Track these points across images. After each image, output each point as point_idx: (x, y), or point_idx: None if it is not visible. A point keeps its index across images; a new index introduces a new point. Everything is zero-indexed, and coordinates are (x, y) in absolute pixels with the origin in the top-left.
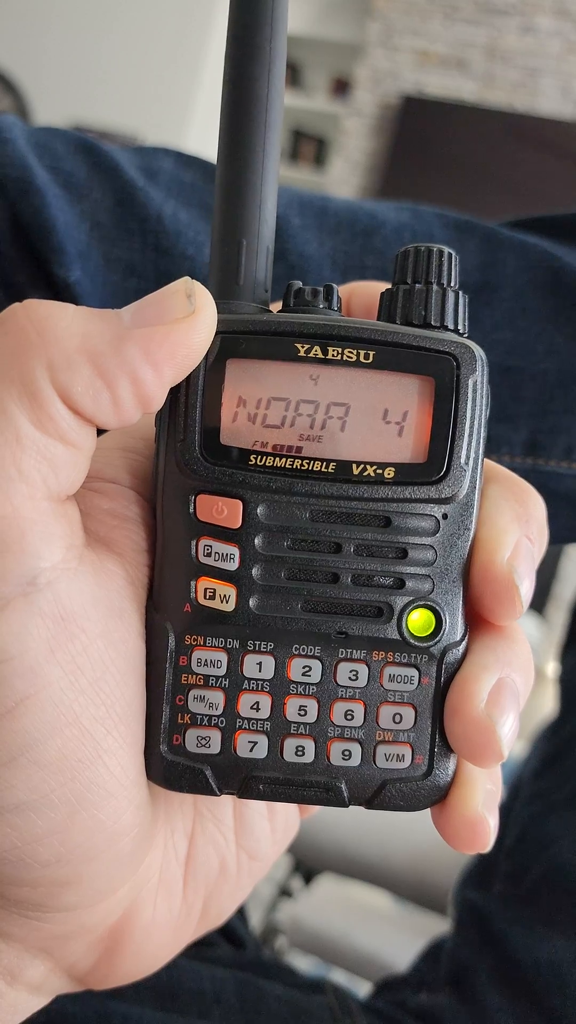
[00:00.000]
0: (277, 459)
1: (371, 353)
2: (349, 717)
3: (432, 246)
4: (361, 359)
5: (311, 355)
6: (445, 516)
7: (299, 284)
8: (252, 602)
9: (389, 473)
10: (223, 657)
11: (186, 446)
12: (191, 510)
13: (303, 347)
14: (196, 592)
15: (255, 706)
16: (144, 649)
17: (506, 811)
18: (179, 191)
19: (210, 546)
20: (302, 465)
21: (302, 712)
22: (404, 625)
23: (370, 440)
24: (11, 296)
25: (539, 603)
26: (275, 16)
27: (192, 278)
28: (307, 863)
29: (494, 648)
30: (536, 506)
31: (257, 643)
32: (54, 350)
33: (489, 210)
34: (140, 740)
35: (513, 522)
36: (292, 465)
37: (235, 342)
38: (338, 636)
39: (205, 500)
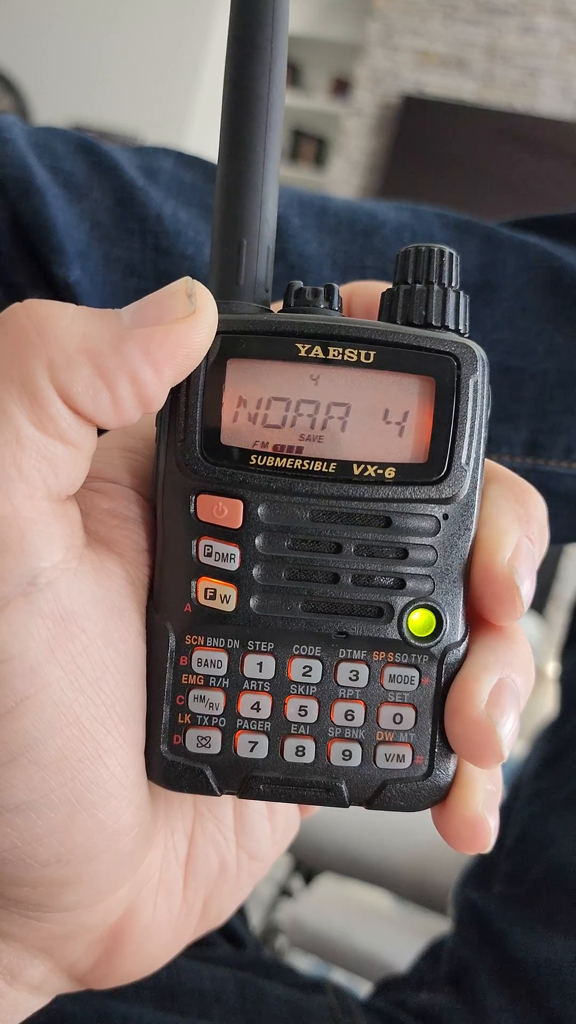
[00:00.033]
0: (278, 459)
1: (372, 353)
2: (349, 717)
3: (433, 246)
4: (362, 359)
5: (312, 355)
6: (446, 516)
7: (300, 284)
8: (252, 602)
9: (390, 473)
10: (223, 657)
11: (186, 446)
12: (191, 510)
13: (304, 347)
14: (196, 592)
15: (255, 706)
16: (144, 649)
17: (506, 811)
18: (179, 191)
19: (210, 546)
20: (303, 465)
21: (302, 712)
22: (404, 625)
23: (371, 440)
24: (11, 296)
25: (539, 603)
26: (276, 16)
27: (192, 278)
28: (307, 863)
29: (495, 648)
30: (537, 506)
31: (257, 643)
32: (54, 350)
33: (489, 210)
34: (140, 740)
35: (514, 522)
36: (293, 465)
37: (236, 342)
38: (338, 636)
39: (205, 500)
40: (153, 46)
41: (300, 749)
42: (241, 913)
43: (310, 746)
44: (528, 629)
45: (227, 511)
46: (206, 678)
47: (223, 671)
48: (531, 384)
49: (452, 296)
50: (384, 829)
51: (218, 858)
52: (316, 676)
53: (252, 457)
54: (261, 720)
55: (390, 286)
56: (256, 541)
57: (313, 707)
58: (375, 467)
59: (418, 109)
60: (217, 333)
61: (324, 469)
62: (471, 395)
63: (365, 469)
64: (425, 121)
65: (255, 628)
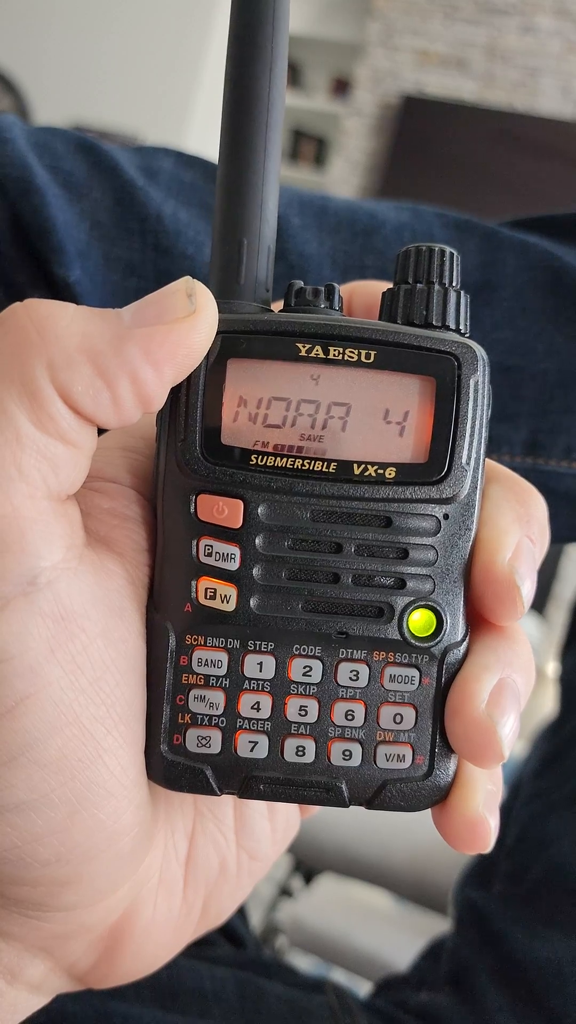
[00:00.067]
0: (278, 459)
1: (372, 353)
2: (350, 717)
3: (434, 246)
4: (362, 359)
5: (312, 355)
6: (446, 516)
7: (300, 284)
8: (253, 602)
9: (390, 473)
10: (224, 657)
11: (187, 446)
12: (192, 510)
13: (304, 347)
14: (197, 592)
15: (256, 706)
16: (144, 649)
17: (506, 811)
18: (179, 191)
19: (211, 546)
20: (303, 465)
21: (303, 712)
22: (405, 625)
23: (371, 440)
24: (11, 296)
25: (539, 603)
26: (276, 15)
27: (192, 277)
28: (307, 863)
29: (495, 648)
30: (537, 506)
31: (258, 643)
32: (54, 349)
33: (489, 210)
34: (140, 740)
35: (514, 523)
36: (293, 465)
37: (236, 342)
38: (339, 636)
39: (206, 500)
40: (153, 46)
41: (300, 749)
42: (241, 913)
43: (310, 746)
44: (528, 629)
45: (227, 511)
46: (206, 678)
47: (223, 671)
48: (531, 384)
49: (453, 296)
50: (384, 829)
51: (218, 858)
52: (316, 676)
53: (252, 457)
54: (261, 720)
55: (390, 285)
56: (256, 541)
57: (313, 707)
58: (375, 467)
59: (418, 109)
60: (217, 333)
61: (324, 469)
62: (472, 395)
63: (365, 469)
64: (425, 121)
65: (255, 628)
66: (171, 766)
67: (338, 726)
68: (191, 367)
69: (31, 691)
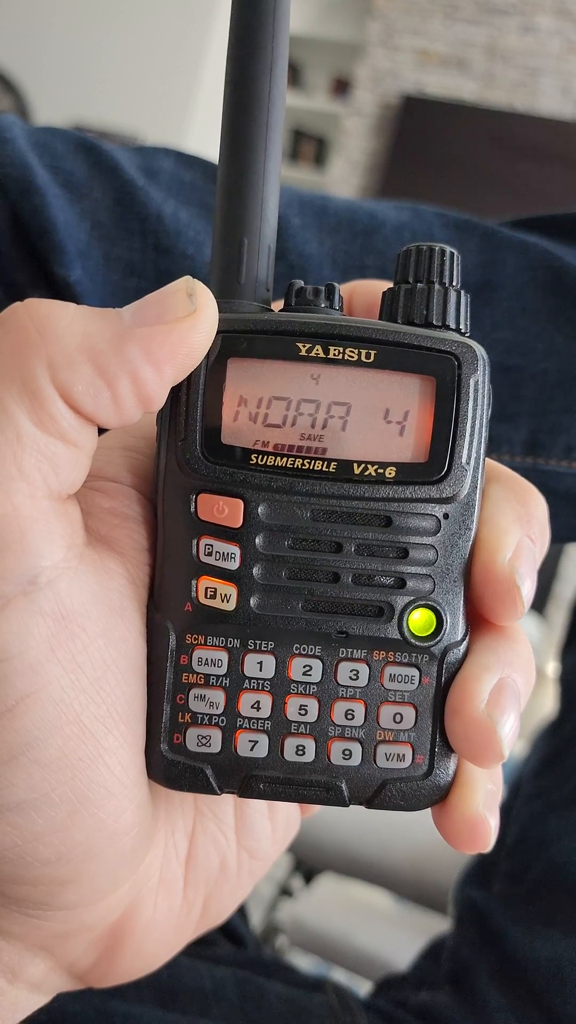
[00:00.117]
0: (278, 458)
1: (372, 352)
2: (350, 716)
3: (434, 245)
4: (363, 358)
5: (312, 354)
6: (446, 516)
7: (300, 283)
8: (253, 601)
9: (390, 473)
10: (224, 656)
11: (187, 445)
12: (192, 509)
13: (304, 346)
14: (197, 591)
15: (256, 705)
16: (145, 648)
17: (506, 810)
18: (179, 190)
19: (211, 545)
20: (303, 464)
21: (303, 711)
22: (405, 625)
23: (371, 440)
24: (12, 295)
25: (539, 602)
26: (277, 16)
27: (193, 277)
28: (307, 862)
29: (495, 648)
30: (538, 506)
31: (258, 642)
32: (55, 349)
33: (489, 210)
34: (141, 739)
35: (515, 522)
36: (293, 464)
37: (236, 341)
38: (339, 636)
39: (206, 499)
40: (153, 46)
41: (300, 748)
42: (241, 912)
43: (310, 745)
44: (528, 629)
45: (227, 510)
46: (206, 677)
47: (223, 670)
48: (531, 383)
49: (453, 295)
50: (384, 829)
51: (219, 857)
52: (316, 675)
53: (253, 456)
54: (261, 719)
55: (391, 285)
56: (256, 540)
57: (313, 706)
58: (376, 466)
59: (418, 109)
60: (218, 332)
61: (325, 468)
62: (472, 395)
63: (366, 468)
64: (425, 121)
65: (255, 627)
66: (171, 765)
67: (338, 725)
68: (191, 367)
69: (31, 690)
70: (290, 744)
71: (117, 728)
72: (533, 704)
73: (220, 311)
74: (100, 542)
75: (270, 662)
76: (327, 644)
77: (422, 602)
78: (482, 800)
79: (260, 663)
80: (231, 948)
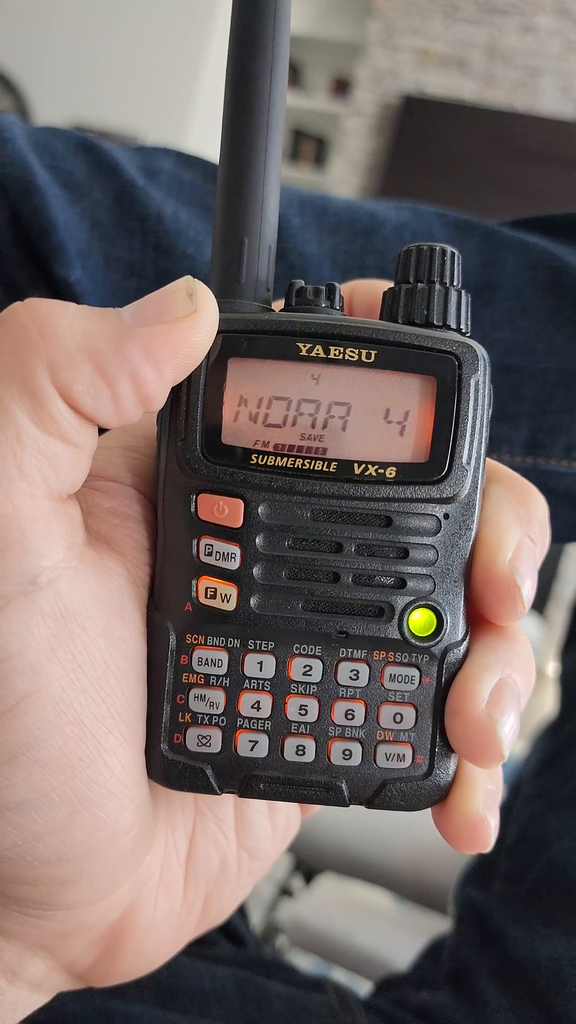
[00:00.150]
0: (278, 458)
1: (373, 352)
2: (350, 717)
3: (435, 245)
4: (363, 358)
5: (313, 354)
6: (447, 516)
7: (301, 283)
8: (253, 601)
9: (390, 473)
10: (224, 656)
11: (187, 445)
12: (192, 509)
13: (305, 346)
14: (197, 591)
15: (256, 705)
16: (145, 648)
17: (506, 810)
18: (179, 190)
19: (211, 545)
20: (303, 464)
21: (303, 711)
22: (405, 625)
23: (372, 440)
24: (12, 295)
25: (540, 602)
26: (278, 16)
27: (193, 277)
28: (308, 862)
29: (495, 648)
30: (538, 506)
31: (258, 642)
32: (55, 349)
33: (489, 210)
34: (141, 739)
35: (515, 522)
36: (293, 464)
37: (237, 341)
38: (339, 636)
39: (206, 499)
40: (153, 46)
41: (300, 748)
42: (242, 912)
43: (310, 745)
44: (528, 629)
45: (228, 510)
46: (206, 677)
47: (223, 670)
48: (531, 383)
49: (454, 295)
50: (384, 829)
51: (219, 857)
52: (316, 675)
53: (253, 456)
54: (261, 719)
55: (391, 284)
56: (257, 540)
57: (313, 706)
58: (376, 466)
59: (418, 109)
60: (218, 332)
61: (325, 468)
62: (472, 395)
63: (366, 468)
64: (425, 121)
65: (255, 627)
66: (171, 765)
67: (338, 725)
68: (192, 367)
69: (32, 690)
70: (290, 744)
71: (117, 728)
72: (533, 704)
73: (220, 311)
74: (100, 542)
75: (270, 662)
76: (327, 644)
77: (422, 602)
78: (482, 800)
79: (260, 663)
80: (231, 948)
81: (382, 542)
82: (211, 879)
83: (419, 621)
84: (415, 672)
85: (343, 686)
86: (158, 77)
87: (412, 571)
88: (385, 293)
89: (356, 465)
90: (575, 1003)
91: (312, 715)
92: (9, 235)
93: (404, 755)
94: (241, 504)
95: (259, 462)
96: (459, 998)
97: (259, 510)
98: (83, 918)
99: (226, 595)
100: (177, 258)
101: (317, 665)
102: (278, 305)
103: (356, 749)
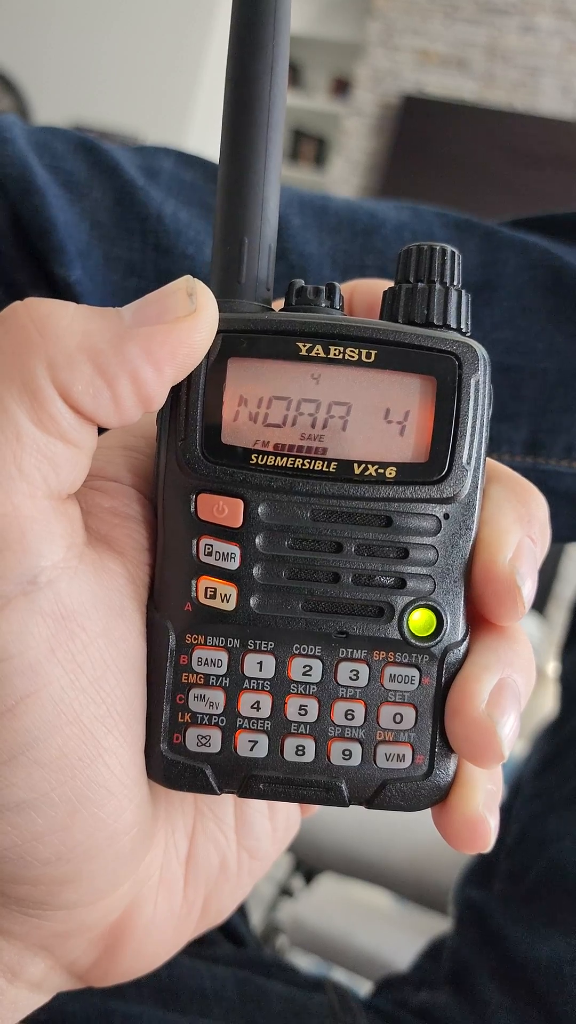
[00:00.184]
0: (278, 458)
1: (373, 352)
2: (349, 717)
3: (435, 244)
4: (363, 358)
5: (313, 354)
6: (447, 516)
7: (301, 283)
8: (253, 601)
9: (390, 473)
10: (224, 656)
11: (187, 445)
12: (192, 509)
13: (305, 346)
14: (197, 591)
15: (255, 705)
16: (145, 648)
17: (506, 810)
18: (179, 190)
19: (211, 545)
20: (303, 464)
21: (302, 711)
22: (405, 625)
23: (372, 439)
24: (12, 295)
25: (540, 602)
26: (278, 15)
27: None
28: (308, 862)
29: (495, 648)
30: (538, 506)
31: (258, 642)
32: (54, 348)
33: (489, 210)
34: (140, 739)
35: (515, 522)
36: (293, 464)
37: (237, 341)
38: (339, 636)
39: (206, 499)
40: (153, 46)
41: (300, 748)
42: (242, 912)
43: (310, 745)
44: (528, 628)
45: (227, 510)
46: (206, 677)
47: (223, 670)
48: (531, 383)
49: (454, 295)
50: (384, 829)
51: (219, 856)
52: (316, 675)
53: (253, 456)
54: (261, 719)
55: (391, 284)
56: (256, 540)
57: (313, 706)
58: (376, 466)
59: (418, 109)
60: (218, 332)
61: (325, 468)
62: (472, 394)
63: (366, 468)
64: (425, 121)
65: (255, 627)
66: (171, 765)
67: (338, 725)
68: (191, 366)
69: (31, 690)
70: (290, 744)
71: (117, 728)
72: (533, 704)
73: (220, 311)
74: (100, 542)
75: (270, 662)
76: (327, 644)
77: (422, 602)
78: (482, 800)
79: (260, 663)
80: (231, 948)
81: (382, 542)
82: (211, 879)
83: (419, 621)
84: (415, 672)
85: (343, 686)
86: (158, 77)
87: (412, 571)
88: (385, 293)
89: (356, 465)
90: (575, 1003)
91: (312, 715)
92: (9, 235)
93: (404, 755)
94: (241, 504)
95: (259, 462)
96: (459, 998)
97: (259, 510)
98: (83, 918)
99: (226, 595)
100: (177, 258)
101: (317, 665)
102: (278, 305)
103: (356, 749)
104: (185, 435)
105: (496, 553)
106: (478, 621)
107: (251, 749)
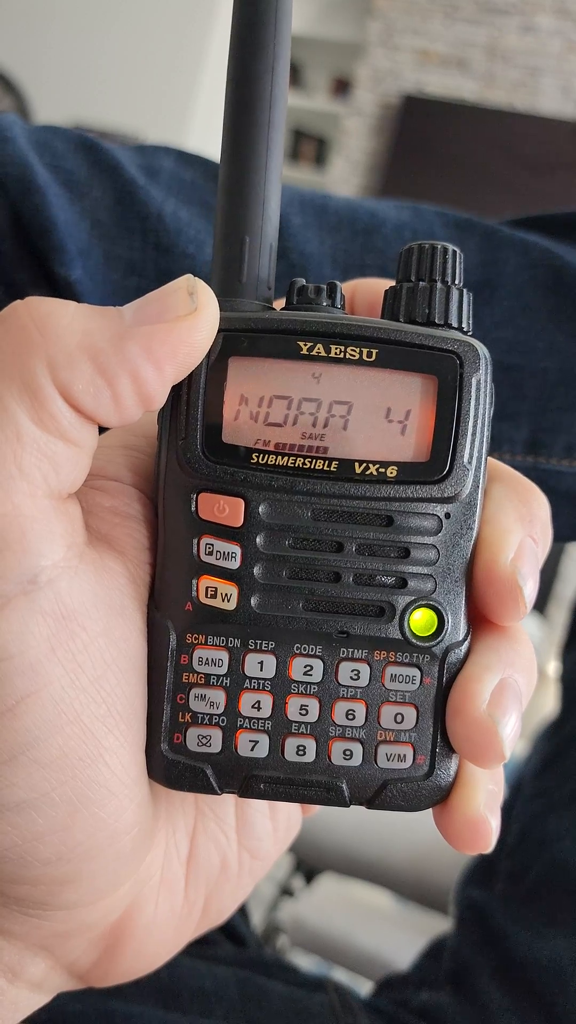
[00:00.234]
0: (279, 457)
1: (374, 351)
2: (350, 717)
3: (436, 244)
4: (364, 357)
5: (314, 353)
6: (448, 515)
7: (302, 282)
8: (253, 601)
9: (391, 472)
10: (224, 656)
11: (188, 444)
12: (193, 508)
13: (306, 345)
14: (197, 590)
15: (256, 705)
16: (145, 647)
17: (507, 810)
18: (179, 189)
19: (211, 544)
20: (304, 464)
21: (303, 711)
22: (406, 625)
23: (373, 439)
24: (12, 295)
25: (540, 602)
26: (279, 15)
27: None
28: (308, 862)
29: (497, 648)
30: (540, 506)
31: (258, 642)
32: (55, 347)
33: (489, 209)
34: (141, 738)
35: (517, 522)
36: (294, 464)
37: (237, 340)
38: (340, 635)
39: (207, 498)
40: (153, 46)
41: (301, 748)
42: (242, 912)
43: (311, 745)
44: (529, 628)
45: (228, 509)
46: (207, 677)
47: (224, 670)
48: (532, 382)
49: (455, 294)
50: (385, 829)
51: (219, 856)
52: (317, 675)
53: (253, 455)
54: (262, 719)
55: (392, 283)
56: (257, 540)
57: (314, 706)
58: (377, 466)
59: (418, 109)
60: (219, 331)
61: (326, 468)
62: (474, 394)
63: (367, 468)
64: (425, 121)
65: (256, 627)
66: (172, 765)
67: (339, 725)
68: (192, 365)
69: (32, 690)
70: (291, 744)
71: (117, 728)
72: (534, 704)
73: (221, 309)
74: (101, 541)
75: (271, 662)
76: (328, 644)
77: (423, 602)
78: (483, 800)
79: (261, 663)
80: (232, 948)
81: (383, 542)
82: (212, 879)
83: (420, 621)
84: (416, 672)
85: (344, 686)
86: (158, 77)
87: (413, 571)
88: (386, 292)
89: (357, 464)
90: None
91: (313, 715)
92: (9, 234)
93: (405, 755)
94: (242, 503)
95: (260, 461)
96: (460, 998)
97: (260, 509)
98: (83, 918)
99: (226, 594)
100: (177, 257)
101: (318, 665)
102: (279, 304)
103: (357, 749)
104: (186, 434)
105: (497, 553)
106: (479, 621)
107: (252, 749)
